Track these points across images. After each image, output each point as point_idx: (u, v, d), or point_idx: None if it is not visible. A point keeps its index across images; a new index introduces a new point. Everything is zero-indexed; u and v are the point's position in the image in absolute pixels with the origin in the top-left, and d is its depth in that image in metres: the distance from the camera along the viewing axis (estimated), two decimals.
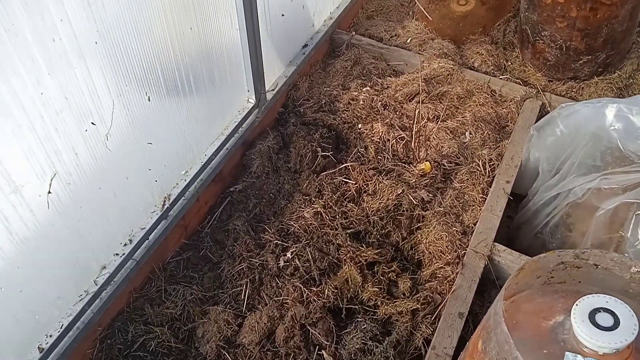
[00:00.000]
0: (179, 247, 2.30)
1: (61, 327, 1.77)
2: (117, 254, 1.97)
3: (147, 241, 2.06)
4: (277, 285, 2.17)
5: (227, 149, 2.41)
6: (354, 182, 2.50)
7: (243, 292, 2.15)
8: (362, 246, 2.29)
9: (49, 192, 1.60)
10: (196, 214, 2.37)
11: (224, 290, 2.18)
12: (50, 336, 1.75)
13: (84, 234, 1.81)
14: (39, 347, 1.72)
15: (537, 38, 2.96)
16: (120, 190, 1.91)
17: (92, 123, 1.70)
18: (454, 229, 2.33)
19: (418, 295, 2.16)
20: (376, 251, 2.27)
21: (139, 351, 1.98)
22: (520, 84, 2.98)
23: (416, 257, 2.33)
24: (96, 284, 1.88)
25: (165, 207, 2.13)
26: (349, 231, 2.34)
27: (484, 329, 1.59)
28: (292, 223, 2.36)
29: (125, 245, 2.00)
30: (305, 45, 2.98)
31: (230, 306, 2.12)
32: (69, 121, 1.62)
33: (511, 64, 3.15)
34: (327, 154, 2.59)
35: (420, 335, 2.04)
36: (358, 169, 2.54)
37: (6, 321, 1.62)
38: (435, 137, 2.68)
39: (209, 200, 2.44)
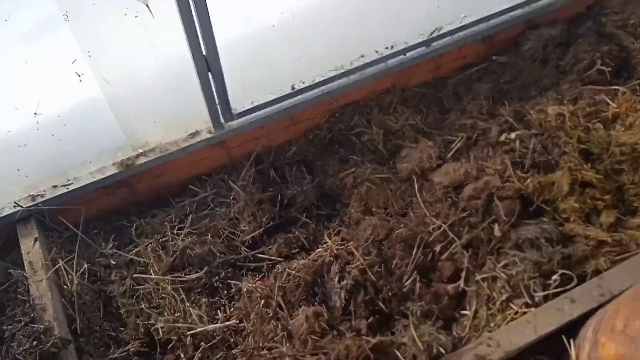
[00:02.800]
0: (423, 81, 2.48)
1: (313, 81, 2.13)
2: (376, 52, 2.22)
3: (402, 56, 2.27)
4: (487, 153, 2.25)
5: (511, 16, 2.41)
6: (615, 107, 2.33)
7: (455, 142, 2.29)
8: (586, 165, 2.20)
9: None
10: (452, 61, 2.49)
11: (441, 132, 2.34)
12: (303, 83, 2.13)
13: (359, 19, 2.07)
14: (292, 86, 2.11)
15: None
16: None
17: None
18: None
19: (614, 233, 2.06)
20: (598, 177, 2.18)
21: (353, 136, 2.30)
22: None
23: (634, 204, 2.17)
24: (351, 65, 2.17)
25: (432, 36, 2.27)
26: (582, 146, 2.25)
27: None
28: (531, 112, 2.34)
29: (386, 48, 2.23)
30: None
31: (439, 147, 2.28)
32: None
33: None
34: (605, 69, 2.42)
35: (595, 265, 1.98)
36: (627, 97, 2.35)
37: (274, 57, 2.00)
38: None
39: (468, 55, 2.52)
